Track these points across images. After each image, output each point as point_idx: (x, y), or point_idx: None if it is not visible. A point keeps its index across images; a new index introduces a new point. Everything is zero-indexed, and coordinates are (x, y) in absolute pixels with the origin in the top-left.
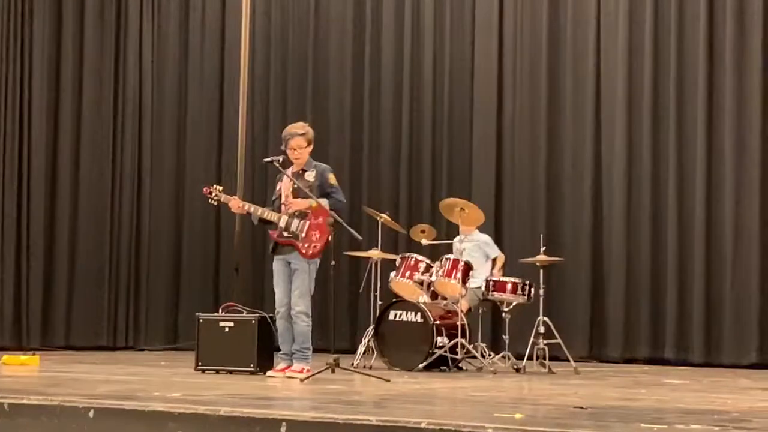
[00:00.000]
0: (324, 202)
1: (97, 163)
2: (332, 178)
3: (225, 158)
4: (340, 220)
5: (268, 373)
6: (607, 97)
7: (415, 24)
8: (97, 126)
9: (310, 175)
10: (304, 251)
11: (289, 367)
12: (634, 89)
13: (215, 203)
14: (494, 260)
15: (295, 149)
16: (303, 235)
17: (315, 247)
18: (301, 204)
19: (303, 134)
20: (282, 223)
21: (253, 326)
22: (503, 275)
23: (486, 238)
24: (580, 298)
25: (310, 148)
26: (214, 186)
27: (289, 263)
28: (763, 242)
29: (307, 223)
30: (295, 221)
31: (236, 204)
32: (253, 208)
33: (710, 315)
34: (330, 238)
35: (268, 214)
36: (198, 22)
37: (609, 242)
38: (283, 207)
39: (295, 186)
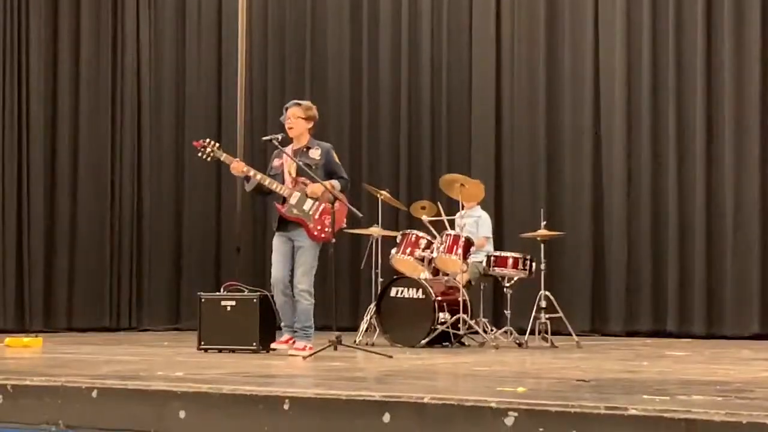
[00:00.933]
0: (336, 185)
1: (97, 144)
2: (336, 157)
3: (224, 137)
4: (341, 197)
5: (273, 344)
6: (605, 68)
7: None
8: (95, 106)
9: (315, 153)
10: (315, 234)
11: (292, 338)
12: (633, 59)
13: (208, 159)
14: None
15: (289, 118)
16: (316, 216)
17: (327, 231)
18: (318, 190)
19: (299, 105)
20: (293, 200)
21: (254, 305)
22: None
23: (484, 215)
24: (581, 272)
25: (309, 125)
26: (209, 140)
27: (292, 240)
28: (763, 213)
29: (322, 206)
30: (309, 201)
31: (240, 166)
32: (259, 175)
33: (712, 287)
34: (343, 224)
35: (277, 186)
36: (195, 1)
37: (610, 216)
38: (289, 182)
39: (299, 164)
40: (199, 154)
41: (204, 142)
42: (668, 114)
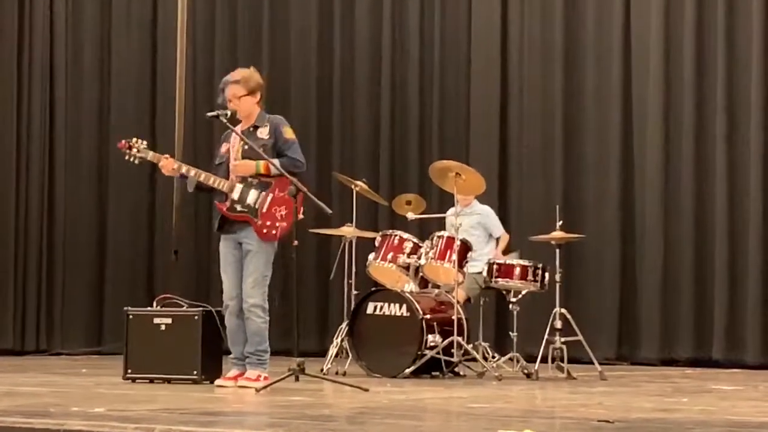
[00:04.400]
0: (276, 163)
1: None
2: (288, 132)
3: (160, 115)
4: (303, 189)
5: (217, 382)
6: (638, 31)
7: None
8: None
9: (263, 132)
10: (264, 231)
11: (242, 374)
12: (673, 21)
13: (136, 161)
14: (498, 239)
15: (230, 100)
16: (263, 210)
17: (278, 227)
18: (246, 168)
19: (237, 81)
20: (235, 194)
21: (195, 323)
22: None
23: (487, 210)
24: (606, 285)
25: (255, 99)
26: (135, 139)
27: (240, 244)
28: None
29: (270, 195)
30: (253, 192)
31: (169, 164)
32: (193, 171)
33: None
34: (300, 216)
35: (215, 181)
36: None
37: (642, 215)
38: (232, 175)
39: (246, 147)
40: (126, 157)
41: (130, 141)
42: (716, 88)
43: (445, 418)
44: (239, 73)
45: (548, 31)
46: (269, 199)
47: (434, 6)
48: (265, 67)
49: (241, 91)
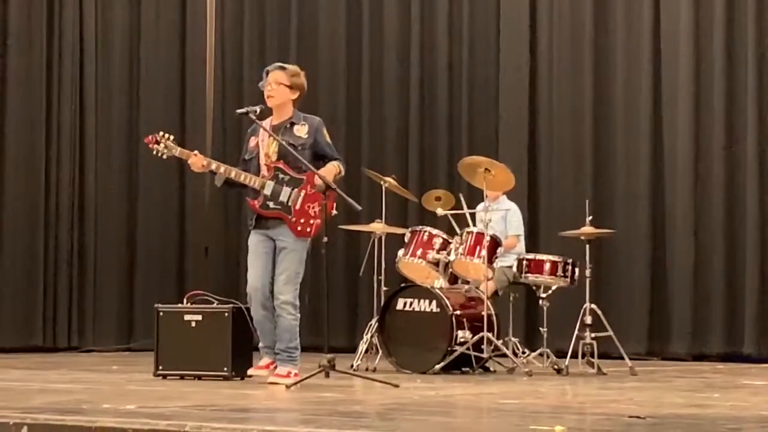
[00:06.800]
0: (332, 166)
1: (26, 120)
2: (327, 135)
3: (189, 114)
4: (333, 185)
5: (250, 371)
6: (668, 23)
7: None
8: (25, 76)
9: (301, 130)
10: (299, 229)
11: (274, 362)
12: (703, 15)
13: (164, 156)
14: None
15: (270, 84)
16: (296, 207)
17: (312, 224)
18: (330, 173)
19: (285, 68)
20: (267, 191)
21: (226, 320)
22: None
23: (513, 208)
24: (636, 280)
25: (294, 95)
26: (162, 134)
27: (273, 240)
28: None
29: (302, 192)
30: (286, 189)
31: (198, 161)
32: (223, 168)
33: None
34: (333, 212)
35: (246, 178)
36: None
37: (672, 209)
38: (264, 169)
39: (281, 142)
40: (154, 152)
41: (157, 136)
42: (747, 81)
43: (475, 414)
44: (289, 65)
45: (578, 28)
46: (302, 195)
47: (463, 3)
48: (294, 64)
49: (284, 78)
